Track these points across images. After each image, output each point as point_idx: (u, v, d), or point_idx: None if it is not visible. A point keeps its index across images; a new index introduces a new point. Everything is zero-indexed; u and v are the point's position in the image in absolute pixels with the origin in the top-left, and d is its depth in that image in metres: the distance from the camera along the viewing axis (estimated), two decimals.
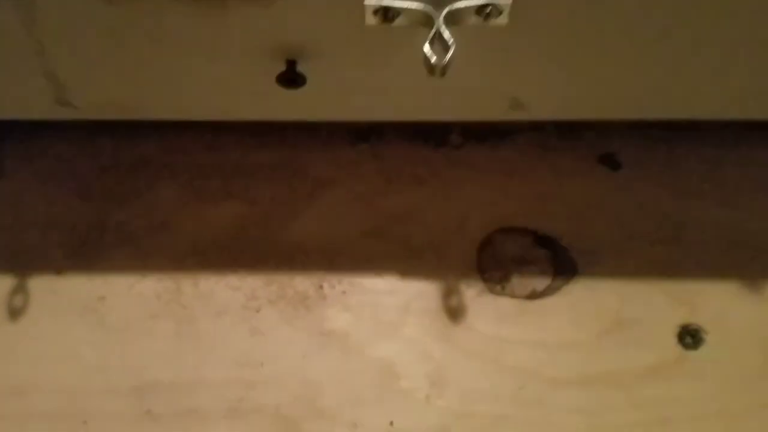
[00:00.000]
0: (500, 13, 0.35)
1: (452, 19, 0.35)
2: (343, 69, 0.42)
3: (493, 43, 0.39)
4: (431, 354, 0.48)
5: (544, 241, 0.52)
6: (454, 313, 0.49)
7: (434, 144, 0.56)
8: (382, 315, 0.49)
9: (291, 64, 0.41)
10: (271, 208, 0.53)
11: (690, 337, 0.49)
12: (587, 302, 0.50)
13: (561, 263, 0.51)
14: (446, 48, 0.35)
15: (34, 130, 0.55)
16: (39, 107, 0.46)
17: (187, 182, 0.54)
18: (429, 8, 0.35)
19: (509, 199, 0.53)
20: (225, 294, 0.50)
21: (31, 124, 0.54)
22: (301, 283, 0.51)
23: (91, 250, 0.51)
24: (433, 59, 0.34)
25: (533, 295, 0.50)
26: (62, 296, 0.49)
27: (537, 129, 0.55)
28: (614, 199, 0.54)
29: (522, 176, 0.54)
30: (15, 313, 0.49)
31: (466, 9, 0.35)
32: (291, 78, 0.41)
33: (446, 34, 0.34)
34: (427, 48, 0.35)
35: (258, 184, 0.54)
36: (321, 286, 0.50)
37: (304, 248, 0.52)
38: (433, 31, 0.35)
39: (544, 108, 0.46)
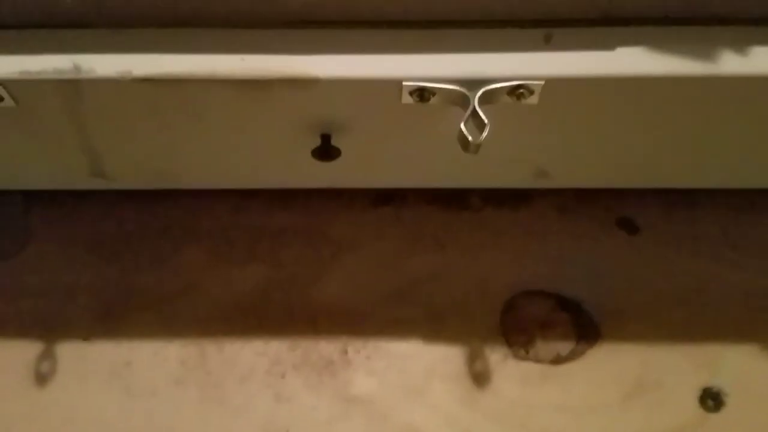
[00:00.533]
0: (531, 93, 0.37)
1: (486, 98, 0.36)
2: (375, 142, 0.43)
3: (523, 119, 0.40)
4: (457, 419, 0.48)
5: (566, 304, 0.52)
6: (479, 377, 0.50)
7: (455, 207, 0.57)
8: (406, 380, 0.50)
9: (326, 138, 0.42)
10: (295, 271, 0.54)
11: (711, 399, 0.49)
12: (610, 366, 0.51)
13: (584, 327, 0.52)
14: (481, 126, 0.36)
15: (60, 196, 0.56)
16: (74, 179, 0.47)
17: (212, 246, 0.55)
18: (464, 89, 0.36)
19: (530, 263, 0.54)
20: (249, 359, 0.50)
21: (57, 190, 0.55)
22: (326, 347, 0.51)
23: (117, 315, 0.52)
24: (470, 138, 0.35)
25: (557, 360, 0.50)
26: (89, 362, 0.50)
27: (555, 193, 0.57)
28: (633, 263, 0.55)
29: (542, 239, 0.55)
30: (42, 379, 0.49)
31: (500, 90, 0.36)
32: (326, 152, 0.42)
33: (482, 114, 0.35)
34: (463, 127, 0.36)
35: (282, 247, 0.55)
36: (345, 351, 0.51)
37: (328, 311, 0.52)
38: (469, 110, 0.36)
39: (567, 176, 0.47)
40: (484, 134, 0.35)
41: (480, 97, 0.36)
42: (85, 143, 0.43)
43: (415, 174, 0.48)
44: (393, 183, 0.51)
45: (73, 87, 0.38)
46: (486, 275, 0.54)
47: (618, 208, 0.57)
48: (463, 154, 0.39)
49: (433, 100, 0.38)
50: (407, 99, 0.38)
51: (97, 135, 0.42)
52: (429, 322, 0.52)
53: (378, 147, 0.44)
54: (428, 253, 0.55)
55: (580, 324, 0.52)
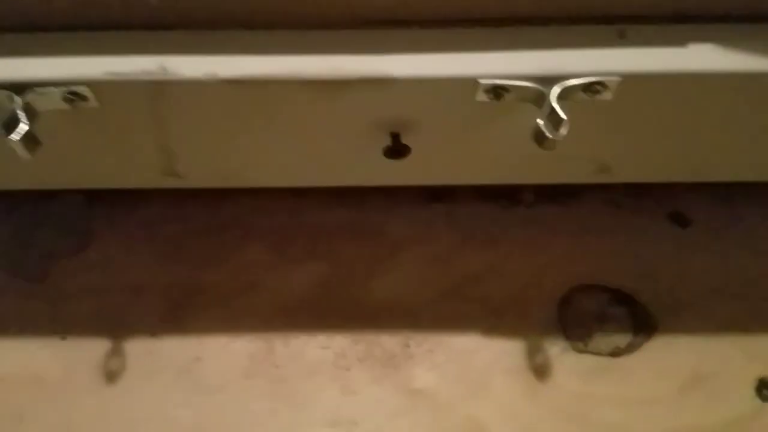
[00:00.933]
0: (606, 89, 0.38)
1: (562, 95, 0.37)
2: (444, 139, 0.44)
3: (593, 115, 0.41)
4: (519, 411, 0.49)
5: (621, 297, 0.53)
6: (540, 370, 0.50)
7: (506, 203, 0.58)
8: (468, 373, 0.51)
9: (396, 136, 0.43)
10: (353, 267, 0.55)
11: (767, 390, 0.50)
12: (667, 358, 0.51)
13: (640, 320, 0.52)
14: (558, 123, 0.37)
15: (121, 195, 0.57)
16: (146, 178, 0.48)
17: (273, 244, 0.56)
18: (540, 86, 0.37)
19: (584, 257, 0.55)
20: (315, 353, 0.51)
21: (118, 189, 0.56)
22: (388, 341, 0.52)
23: (184, 311, 0.53)
24: (549, 134, 0.36)
25: (616, 353, 0.51)
26: (158, 358, 0.51)
27: (606, 187, 0.57)
28: (686, 256, 0.55)
29: (595, 234, 0.56)
30: (112, 377, 0.50)
31: (576, 86, 0.37)
32: (397, 150, 0.43)
33: (560, 110, 0.36)
34: (541, 123, 0.37)
35: (339, 245, 0.56)
36: (407, 345, 0.52)
37: (388, 306, 0.53)
38: (546, 107, 0.37)
39: (628, 171, 0.48)
40: (563, 130, 0.36)
41: (556, 94, 0.37)
42: (163, 143, 0.44)
43: (475, 170, 0.49)
44: (451, 180, 0.52)
45: (158, 88, 0.39)
46: (541, 270, 0.55)
47: (668, 202, 0.58)
48: (531, 149, 0.40)
49: (507, 97, 0.39)
50: (481, 97, 0.39)
51: (175, 135, 0.43)
52: (487, 316, 0.53)
53: (446, 144, 0.44)
54: (482, 248, 0.56)
55: (637, 317, 0.53)
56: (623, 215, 0.57)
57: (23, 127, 0.37)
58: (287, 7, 0.39)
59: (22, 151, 0.38)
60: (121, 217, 0.57)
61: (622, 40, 0.39)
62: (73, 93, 0.39)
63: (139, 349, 0.51)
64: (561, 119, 0.36)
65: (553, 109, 0.37)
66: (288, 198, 0.58)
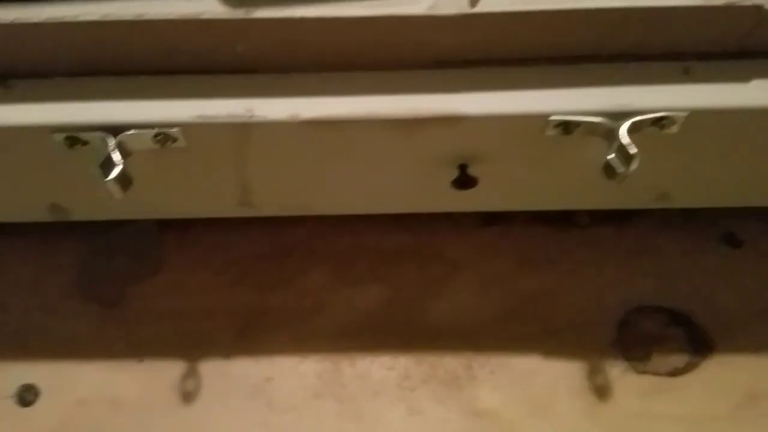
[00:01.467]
0: (674, 123, 0.39)
1: (631, 129, 0.39)
2: (511, 170, 0.46)
3: (657, 146, 0.42)
4: (582, 431, 0.50)
5: (678, 318, 0.55)
6: (601, 391, 0.52)
7: (562, 226, 0.59)
8: (530, 394, 0.52)
9: (463, 168, 0.45)
10: (414, 290, 0.57)
11: None
12: (723, 377, 0.53)
13: (697, 341, 0.54)
14: (628, 157, 0.38)
15: (190, 221, 0.59)
16: (221, 208, 0.50)
17: (336, 267, 0.58)
18: (609, 121, 0.39)
19: (640, 278, 0.56)
20: (380, 373, 0.53)
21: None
22: (450, 362, 0.54)
23: (253, 333, 0.55)
24: (620, 169, 0.38)
25: (674, 372, 0.52)
26: (231, 379, 0.53)
27: (661, 210, 0.59)
28: (740, 276, 0.57)
29: (649, 255, 0.58)
30: (188, 397, 0.53)
31: (645, 121, 0.39)
32: (465, 181, 0.45)
33: (631, 146, 0.38)
34: (612, 158, 0.38)
35: (399, 268, 0.58)
36: (470, 366, 0.54)
37: (450, 328, 0.55)
38: (617, 142, 0.38)
39: (686, 198, 0.49)
40: (634, 165, 0.38)
41: (626, 129, 0.39)
42: (242, 178, 0.46)
43: (537, 197, 0.50)
44: (512, 206, 0.53)
45: (243, 129, 0.41)
46: (598, 292, 0.56)
47: (720, 223, 0.59)
48: (595, 178, 0.41)
49: (577, 132, 0.40)
50: (551, 131, 0.41)
51: (254, 170, 0.45)
52: (547, 338, 0.54)
53: (511, 175, 0.46)
54: (540, 270, 0.57)
55: (693, 337, 0.54)
56: (677, 236, 0.58)
57: (118, 168, 0.40)
58: (364, 50, 0.41)
59: (116, 191, 0.40)
60: (190, 242, 0.59)
61: (687, 75, 0.40)
62: (163, 134, 0.41)
63: (213, 370, 0.53)
64: (631, 154, 0.38)
65: (622, 145, 0.38)
66: (348, 223, 0.60)
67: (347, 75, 0.41)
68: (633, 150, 0.38)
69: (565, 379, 0.53)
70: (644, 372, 0.53)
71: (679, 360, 0.53)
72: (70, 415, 0.52)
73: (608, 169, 0.39)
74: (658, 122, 0.39)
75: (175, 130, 0.40)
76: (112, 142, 0.40)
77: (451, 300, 0.56)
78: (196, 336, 0.55)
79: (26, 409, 0.53)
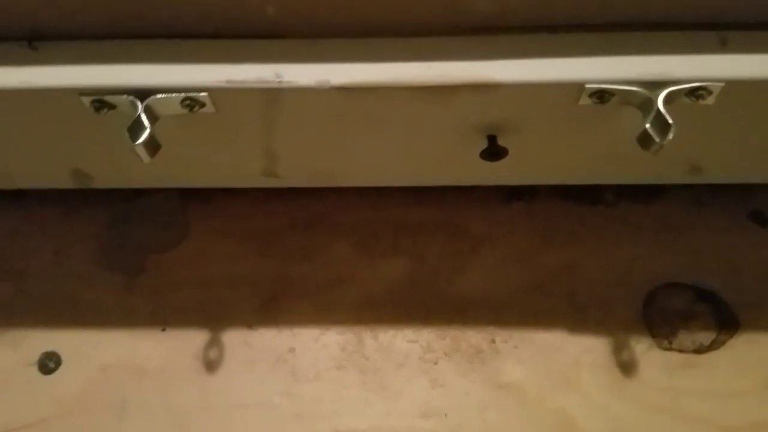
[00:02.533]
0: (710, 94, 0.39)
1: (667, 100, 0.38)
2: (541, 141, 0.45)
3: (692, 118, 0.41)
4: (607, 406, 0.50)
5: (704, 296, 0.54)
6: (626, 367, 0.51)
7: (588, 202, 0.59)
8: (555, 368, 0.52)
9: (493, 139, 0.44)
10: (437, 264, 0.57)
11: None
12: (750, 355, 0.52)
13: (723, 318, 0.53)
14: (664, 127, 0.38)
15: (213, 192, 0.59)
16: (245, 178, 0.50)
17: (358, 240, 0.58)
18: (646, 91, 0.38)
19: (667, 255, 0.56)
20: (403, 346, 0.53)
21: (211, 187, 0.58)
22: (474, 336, 0.54)
23: (276, 304, 0.55)
24: (657, 139, 0.37)
25: (700, 350, 0.52)
26: (255, 349, 0.53)
27: (687, 186, 0.58)
28: (766, 254, 0.56)
29: (676, 232, 0.57)
30: (211, 366, 0.53)
31: (680, 91, 0.38)
32: (495, 152, 0.44)
33: (667, 115, 0.37)
34: (649, 127, 0.38)
35: (423, 241, 0.58)
36: (493, 341, 0.53)
37: (473, 302, 0.55)
38: (654, 112, 0.38)
39: (718, 173, 0.49)
40: (670, 135, 0.37)
41: (663, 98, 0.38)
42: (268, 146, 0.46)
43: (567, 171, 0.50)
44: (540, 180, 0.53)
45: (272, 95, 0.41)
46: (624, 268, 0.55)
47: (748, 201, 0.58)
48: (627, 151, 0.41)
49: (612, 101, 0.40)
50: (585, 101, 0.40)
51: (281, 138, 0.45)
52: (572, 313, 0.54)
53: (541, 146, 0.46)
54: (565, 246, 0.57)
55: (720, 315, 0.53)
56: (704, 214, 0.58)
57: (147, 131, 0.39)
58: (395, 16, 0.40)
59: (144, 155, 0.40)
60: (213, 213, 0.59)
61: (724, 46, 0.40)
62: (191, 99, 0.41)
63: (235, 339, 0.53)
64: (668, 123, 0.37)
65: (659, 114, 0.38)
66: (371, 195, 0.59)
67: (378, 41, 0.41)
68: (670, 120, 0.37)
69: (589, 354, 0.52)
70: (670, 349, 0.52)
71: (705, 337, 0.52)
72: (92, 383, 0.53)
73: (644, 139, 0.38)
74: (693, 93, 0.39)
75: (203, 94, 0.40)
76: (140, 106, 0.40)
77: (475, 274, 0.56)
78: (219, 306, 0.55)
79: (48, 377, 0.53)
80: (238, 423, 0.51)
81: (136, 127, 0.39)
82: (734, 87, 0.39)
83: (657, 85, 0.38)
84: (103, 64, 0.40)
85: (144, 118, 0.39)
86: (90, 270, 0.57)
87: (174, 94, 0.40)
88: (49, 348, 0.54)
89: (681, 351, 0.52)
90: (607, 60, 0.39)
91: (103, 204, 0.60)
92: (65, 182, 0.52)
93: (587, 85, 0.39)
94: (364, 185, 0.52)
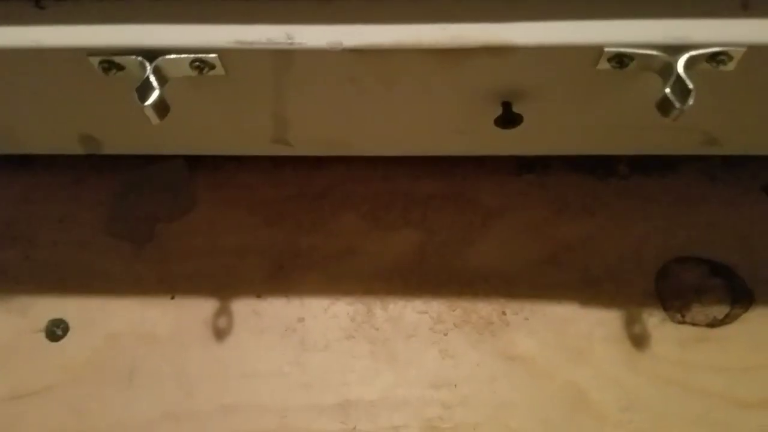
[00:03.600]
0: (731, 59, 0.38)
1: (687, 65, 0.37)
2: (557, 108, 0.44)
3: (712, 85, 0.41)
4: (619, 379, 0.50)
5: (719, 269, 0.53)
6: (638, 340, 0.51)
7: (601, 174, 0.58)
8: (566, 341, 0.51)
9: (507, 105, 0.44)
10: (448, 236, 0.56)
11: None
12: (765, 328, 0.51)
13: (738, 292, 0.52)
14: (685, 92, 0.37)
15: (221, 161, 0.59)
16: (255, 145, 0.49)
17: (368, 211, 0.57)
18: (666, 55, 0.37)
19: (681, 229, 0.55)
20: (413, 317, 0.53)
21: (218, 156, 0.58)
22: (484, 308, 0.53)
23: (285, 274, 0.54)
24: (677, 104, 0.36)
25: (714, 323, 0.51)
26: (264, 318, 0.53)
27: (701, 159, 0.57)
28: None
29: (690, 206, 0.56)
30: (220, 334, 0.52)
31: (700, 56, 0.37)
32: (510, 119, 0.43)
33: (688, 80, 0.36)
34: (669, 92, 0.37)
35: (433, 213, 0.57)
36: (504, 312, 0.53)
37: (483, 275, 0.54)
38: (674, 76, 0.37)
39: (734, 144, 0.48)
40: (691, 100, 0.36)
41: (684, 63, 0.37)
42: (279, 111, 0.45)
43: (582, 140, 0.49)
44: (555, 150, 0.52)
45: (283, 57, 0.40)
46: (638, 241, 0.55)
47: (763, 174, 0.57)
48: (645, 119, 0.40)
49: (631, 66, 0.39)
50: (604, 65, 0.39)
51: (293, 103, 0.44)
52: (584, 286, 0.53)
53: (557, 113, 0.45)
54: (578, 219, 0.56)
55: (734, 289, 0.53)
56: (718, 187, 0.57)
57: (156, 92, 0.39)
58: None
59: (153, 117, 0.39)
60: (222, 182, 0.59)
61: (745, 10, 0.39)
62: (201, 60, 0.40)
63: (245, 308, 0.53)
64: (689, 89, 0.36)
65: (679, 78, 0.37)
66: (381, 166, 0.59)
67: (392, 1, 0.40)
68: (690, 85, 0.36)
69: (601, 327, 0.52)
70: (683, 322, 0.51)
71: (718, 311, 0.52)
72: (100, 350, 0.52)
73: (664, 105, 0.37)
74: (714, 58, 0.38)
75: (212, 56, 0.39)
76: (149, 67, 0.39)
77: (486, 246, 0.55)
78: (228, 275, 0.55)
79: (55, 344, 0.53)
80: (247, 392, 0.50)
81: (145, 89, 0.39)
82: (756, 52, 0.38)
83: (677, 49, 0.37)
84: (112, 24, 0.40)
85: (153, 79, 0.39)
86: (98, 238, 0.57)
87: (183, 55, 0.39)
88: (56, 315, 0.54)
89: (694, 324, 0.51)
90: (626, 23, 0.38)
91: (112, 172, 0.59)
92: (74, 148, 0.51)
93: (606, 49, 0.38)
94: (375, 154, 0.52)
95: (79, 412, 0.51)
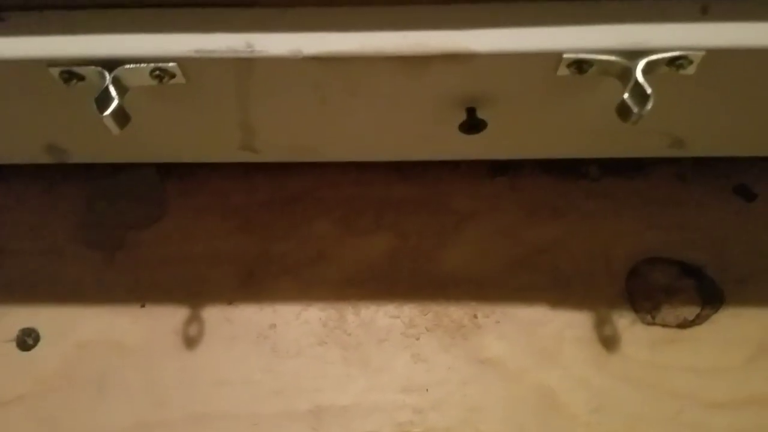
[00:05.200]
0: (690, 63, 0.38)
1: (646, 69, 0.37)
2: (521, 113, 0.44)
3: (673, 89, 0.41)
4: (589, 381, 0.50)
5: (689, 270, 0.54)
6: (608, 341, 0.51)
7: (571, 177, 0.58)
8: (537, 344, 0.51)
9: (471, 111, 0.44)
10: (420, 240, 0.56)
11: None
12: (734, 330, 0.52)
13: (708, 293, 0.53)
14: (643, 97, 0.37)
15: (193, 168, 0.58)
16: (222, 152, 0.49)
17: (340, 216, 0.57)
18: (625, 60, 0.37)
19: (651, 230, 0.55)
20: (385, 322, 0.53)
21: (191, 163, 0.58)
22: (456, 312, 0.53)
23: (257, 280, 0.54)
24: (635, 109, 0.36)
25: (684, 324, 0.52)
26: (235, 325, 0.53)
27: (672, 161, 0.57)
28: (752, 229, 0.55)
29: (661, 207, 0.56)
30: (191, 342, 0.52)
31: (660, 60, 0.37)
32: (474, 125, 0.43)
33: (646, 85, 0.36)
34: (627, 97, 0.37)
35: (405, 217, 0.57)
36: (475, 316, 0.53)
37: (455, 278, 0.54)
38: (632, 81, 0.37)
39: (701, 146, 0.48)
40: (649, 105, 0.37)
41: (642, 68, 0.37)
42: (244, 118, 0.45)
43: (548, 144, 0.49)
44: (522, 154, 0.52)
45: (243, 65, 0.40)
46: (608, 243, 0.55)
47: (734, 175, 0.58)
48: (607, 123, 0.40)
49: (590, 71, 0.39)
50: (563, 71, 0.39)
51: (257, 110, 0.44)
52: (554, 288, 0.53)
53: (521, 118, 0.45)
54: (548, 221, 0.56)
55: (704, 289, 0.53)
56: (689, 188, 0.57)
57: (115, 102, 0.38)
58: None
59: (113, 127, 0.39)
60: (193, 189, 0.58)
61: (705, 14, 0.39)
62: (161, 69, 0.40)
63: (216, 316, 0.53)
64: (647, 94, 0.36)
65: (637, 84, 0.37)
66: (353, 171, 0.59)
67: (352, 10, 0.40)
68: (648, 90, 0.36)
69: (572, 329, 0.52)
70: (653, 323, 0.52)
71: (688, 312, 0.52)
72: (71, 359, 0.52)
73: (622, 110, 0.38)
74: (674, 62, 0.38)
75: (172, 65, 0.39)
76: (108, 76, 0.39)
77: (458, 250, 0.56)
78: (199, 282, 0.54)
79: (26, 353, 0.53)
80: (219, 400, 0.50)
81: (104, 99, 0.38)
82: (715, 56, 0.38)
83: (636, 54, 0.37)
84: (71, 35, 0.39)
85: (112, 89, 0.38)
86: (69, 246, 0.57)
87: (143, 65, 0.39)
88: (27, 324, 0.54)
89: (664, 326, 0.52)
90: (585, 29, 0.38)
91: (83, 180, 0.59)
92: (41, 157, 0.51)
93: (565, 55, 0.38)
94: (344, 160, 0.51)
95: (50, 421, 0.50)
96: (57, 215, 0.58)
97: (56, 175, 0.59)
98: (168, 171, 0.59)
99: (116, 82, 0.39)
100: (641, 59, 0.37)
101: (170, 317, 0.53)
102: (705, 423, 0.48)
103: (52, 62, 0.39)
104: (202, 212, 0.57)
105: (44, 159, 0.51)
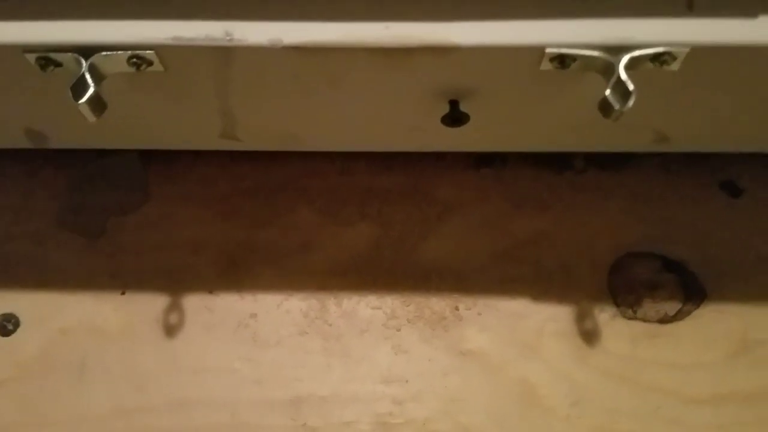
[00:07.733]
0: (675, 59, 0.37)
1: (629, 65, 0.37)
2: (504, 107, 0.44)
3: (657, 84, 0.40)
4: (569, 374, 0.50)
5: (672, 265, 0.53)
6: (589, 335, 0.51)
7: (557, 169, 0.58)
8: (518, 336, 0.51)
9: (454, 104, 0.43)
10: (403, 231, 0.56)
11: None
12: (716, 325, 0.52)
13: (690, 288, 0.53)
14: (625, 93, 0.37)
15: (175, 154, 0.58)
16: (204, 140, 0.49)
17: (324, 206, 0.57)
18: (607, 56, 0.37)
19: (635, 224, 0.55)
20: (366, 313, 0.53)
21: (174, 149, 0.57)
22: (437, 303, 0.53)
23: (239, 269, 0.54)
24: (616, 105, 0.36)
25: (665, 319, 0.52)
26: (216, 314, 0.52)
27: (658, 154, 0.57)
28: (737, 225, 0.55)
29: (645, 201, 0.56)
30: (171, 330, 0.52)
31: (644, 56, 0.37)
32: (457, 118, 0.43)
33: (628, 81, 0.36)
34: (609, 93, 0.37)
35: (389, 208, 0.57)
36: (456, 308, 0.53)
37: (438, 270, 0.54)
38: (614, 77, 0.37)
39: (686, 141, 0.48)
40: (631, 102, 0.36)
41: (625, 64, 0.37)
42: (224, 107, 0.44)
43: (532, 138, 0.49)
44: (506, 147, 0.52)
45: (222, 53, 0.39)
46: (592, 236, 0.55)
47: (720, 171, 0.57)
48: (591, 118, 0.40)
49: (573, 66, 0.39)
50: (546, 66, 0.39)
51: (237, 99, 0.43)
52: (537, 281, 0.53)
53: (504, 112, 0.44)
54: (533, 214, 0.56)
55: (687, 285, 0.53)
56: (675, 183, 0.57)
57: (91, 90, 0.38)
58: None
59: (89, 114, 0.39)
60: (176, 175, 0.58)
61: (690, 10, 0.38)
62: (138, 57, 0.39)
63: (196, 304, 0.53)
64: (629, 90, 0.36)
65: (620, 80, 0.36)
66: (337, 161, 0.58)
67: None
68: (631, 86, 0.36)
69: (553, 323, 0.52)
70: (634, 318, 0.52)
71: (670, 307, 0.52)
72: (51, 345, 0.52)
73: (604, 106, 0.37)
74: (658, 58, 0.37)
75: (149, 52, 0.39)
76: (84, 63, 0.38)
77: (441, 241, 0.55)
78: (180, 270, 0.54)
79: (6, 339, 0.52)
80: (198, 387, 0.50)
81: (80, 86, 0.38)
82: (700, 52, 0.37)
83: (619, 49, 0.37)
84: (48, 20, 0.39)
85: (88, 76, 0.38)
86: (50, 231, 0.56)
87: (120, 52, 0.38)
88: (7, 310, 0.53)
89: (645, 320, 0.52)
90: (568, 23, 0.38)
91: (65, 165, 0.58)
92: (20, 141, 0.50)
93: (548, 50, 0.37)
94: (327, 150, 0.51)
95: (30, 406, 0.50)
96: (39, 200, 0.57)
97: (38, 160, 0.58)
98: (151, 157, 0.58)
99: (92, 69, 0.38)
100: (624, 55, 0.37)
101: (151, 305, 0.53)
102: (685, 418, 0.49)
103: (27, 48, 0.39)
104: (184, 199, 0.57)
105: (24, 144, 0.50)
